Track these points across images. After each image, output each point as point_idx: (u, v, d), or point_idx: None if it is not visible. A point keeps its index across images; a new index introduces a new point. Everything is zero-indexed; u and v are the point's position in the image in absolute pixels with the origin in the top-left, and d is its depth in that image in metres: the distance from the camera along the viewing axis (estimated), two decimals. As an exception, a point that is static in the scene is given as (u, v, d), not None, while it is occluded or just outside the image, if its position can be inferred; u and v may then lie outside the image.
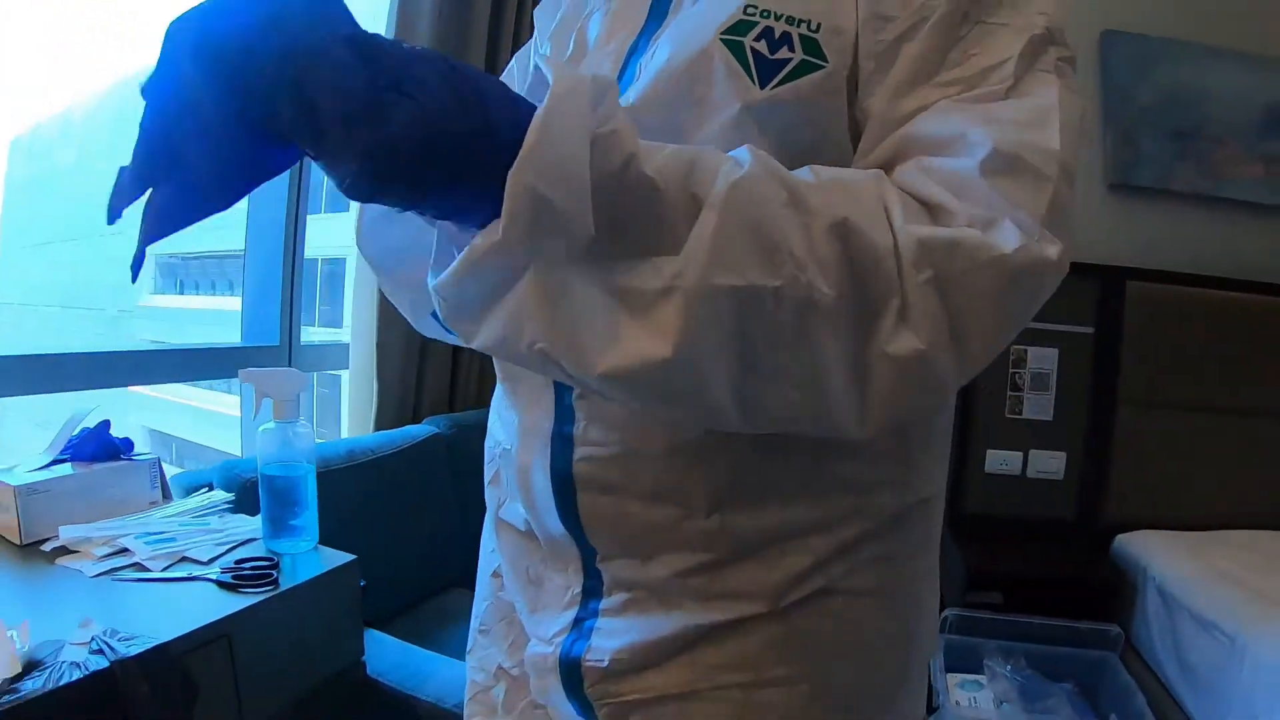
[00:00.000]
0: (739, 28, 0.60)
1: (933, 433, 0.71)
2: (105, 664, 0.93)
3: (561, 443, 0.67)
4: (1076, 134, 0.56)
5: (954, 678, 2.27)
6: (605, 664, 0.68)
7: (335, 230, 3.25)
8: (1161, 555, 2.41)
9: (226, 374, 2.51)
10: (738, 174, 0.47)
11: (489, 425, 0.84)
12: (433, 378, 2.62)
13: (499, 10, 2.60)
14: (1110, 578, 2.49)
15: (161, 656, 0.97)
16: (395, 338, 2.42)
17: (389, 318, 2.37)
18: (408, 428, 2.33)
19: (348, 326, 2.50)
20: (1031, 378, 2.71)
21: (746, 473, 0.63)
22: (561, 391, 0.67)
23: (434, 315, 0.77)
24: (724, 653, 0.66)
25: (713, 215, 0.46)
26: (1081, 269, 2.65)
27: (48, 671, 0.90)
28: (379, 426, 2.40)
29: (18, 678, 0.89)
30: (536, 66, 0.76)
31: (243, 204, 2.47)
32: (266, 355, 2.42)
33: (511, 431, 0.74)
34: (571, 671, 0.70)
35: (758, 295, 0.46)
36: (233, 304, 5.34)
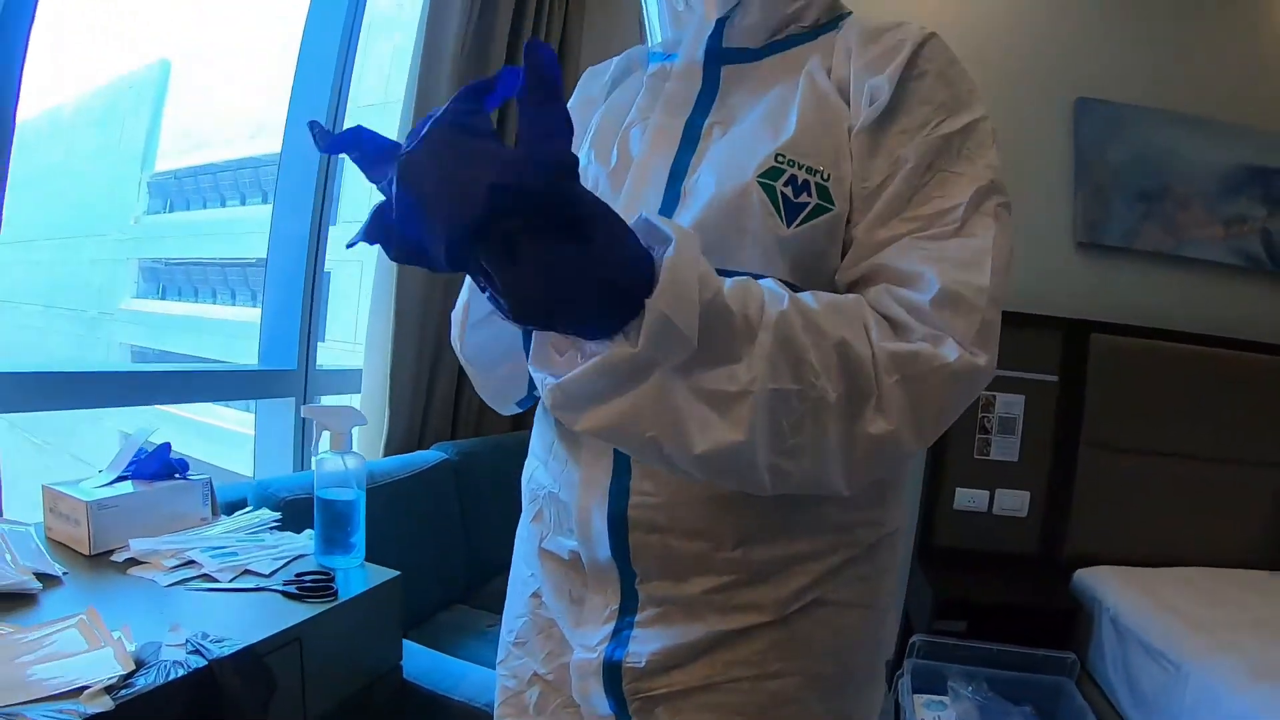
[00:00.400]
0: (772, 174, 0.79)
1: (900, 482, 0.92)
2: (203, 663, 1.08)
3: (618, 493, 0.84)
4: (1008, 264, 0.75)
5: (920, 698, 2.43)
6: (642, 664, 0.85)
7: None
8: (1116, 589, 2.58)
9: (246, 395, 2.63)
10: (778, 306, 0.64)
11: (529, 471, 1.00)
12: (438, 407, 2.76)
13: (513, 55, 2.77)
14: (1068, 608, 2.65)
15: (250, 656, 1.13)
16: (406, 368, 2.56)
17: (401, 350, 2.52)
18: (418, 453, 2.47)
19: (340, 342, 2.59)
20: (999, 421, 2.90)
21: (765, 517, 0.81)
22: (620, 453, 0.84)
23: (518, 403, 0.98)
24: (736, 653, 0.83)
25: (767, 336, 0.62)
26: (1049, 321, 2.86)
27: (154, 669, 1.05)
28: (388, 451, 2.54)
29: (130, 674, 1.03)
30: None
31: (265, 217, 2.59)
32: (284, 379, 2.53)
33: (562, 480, 0.90)
34: (612, 672, 0.86)
35: (790, 396, 0.63)
36: (214, 311, 5.39)
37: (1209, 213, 3.01)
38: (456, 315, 0.96)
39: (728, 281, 0.64)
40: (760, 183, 0.79)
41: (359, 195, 2.76)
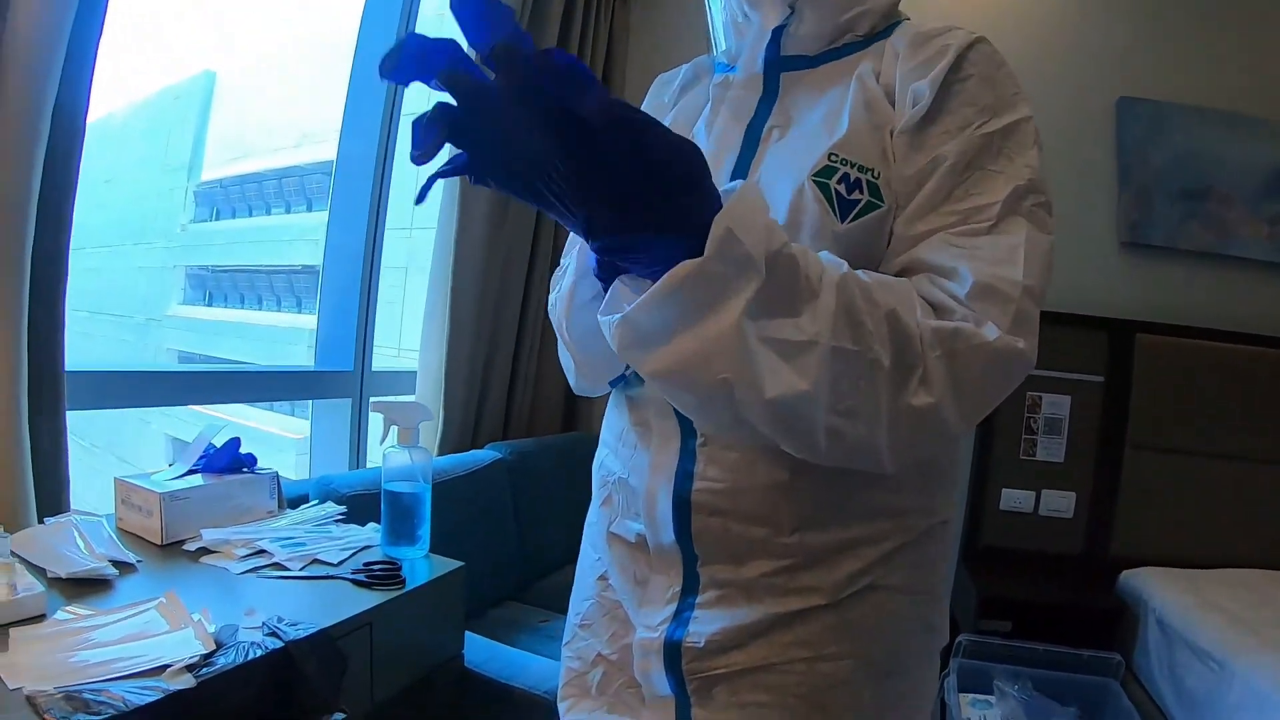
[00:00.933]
0: (826, 172, 0.83)
1: (949, 472, 0.94)
2: (279, 644, 1.13)
3: (683, 478, 0.88)
4: (1045, 262, 0.77)
5: (966, 697, 2.44)
6: (701, 644, 0.88)
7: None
8: (1161, 589, 2.57)
9: (303, 395, 2.70)
10: (838, 270, 0.69)
11: (599, 459, 1.04)
12: (491, 407, 2.82)
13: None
14: (1114, 609, 2.65)
15: (324, 639, 1.18)
16: (460, 369, 2.62)
17: (456, 352, 2.58)
18: (472, 452, 2.53)
19: (381, 348, 2.66)
20: (1045, 422, 2.91)
21: (820, 504, 0.84)
22: (686, 439, 0.88)
23: (610, 381, 1.00)
24: (793, 635, 0.86)
25: (830, 296, 0.66)
26: (1094, 322, 2.86)
27: (233, 650, 1.10)
28: (442, 451, 2.60)
29: (210, 654, 1.08)
30: None
31: (321, 223, 2.66)
32: (341, 380, 2.60)
33: (631, 465, 0.94)
34: (672, 651, 0.90)
35: (850, 355, 0.67)
36: (259, 318, 5.47)
37: (1253, 211, 2.99)
38: (561, 298, 0.97)
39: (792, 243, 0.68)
40: (815, 181, 0.82)
41: (405, 202, 2.81)
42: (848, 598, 0.86)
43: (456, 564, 1.51)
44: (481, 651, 1.60)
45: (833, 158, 0.83)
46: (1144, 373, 2.89)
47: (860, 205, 0.82)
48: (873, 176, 0.82)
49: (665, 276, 0.60)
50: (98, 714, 0.92)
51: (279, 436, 4.15)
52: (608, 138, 0.55)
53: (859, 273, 0.72)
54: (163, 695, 0.99)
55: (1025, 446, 2.92)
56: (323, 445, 2.69)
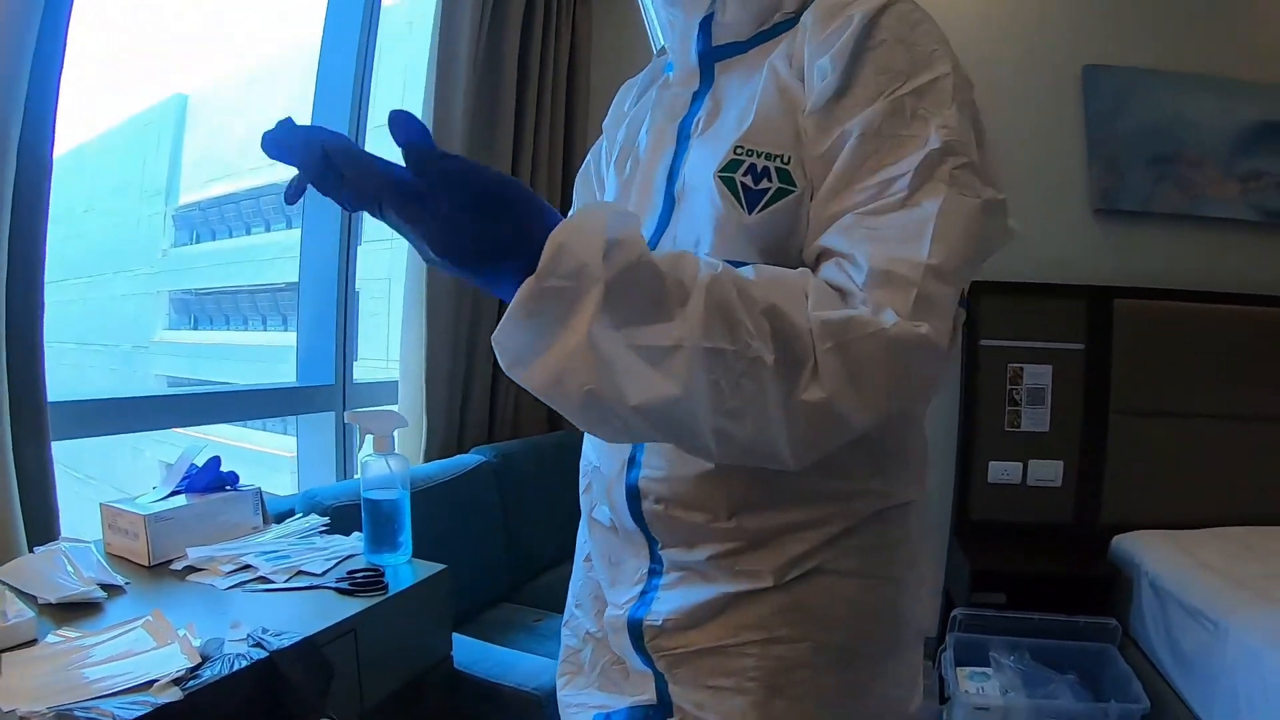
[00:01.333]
0: (731, 166, 0.82)
1: (902, 454, 0.91)
2: (264, 654, 1.14)
3: (632, 466, 0.90)
4: (969, 230, 0.73)
5: (963, 670, 2.46)
6: (659, 624, 0.90)
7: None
8: (1153, 552, 2.60)
9: (286, 411, 2.71)
10: (710, 271, 0.68)
11: (584, 448, 1.06)
12: (474, 411, 2.83)
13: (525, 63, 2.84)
14: (1107, 575, 2.67)
15: (308, 647, 1.19)
16: (441, 375, 2.63)
17: (435, 358, 2.59)
18: (458, 457, 2.54)
19: (369, 360, 2.67)
20: (1028, 393, 2.92)
21: (754, 489, 0.84)
22: None
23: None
24: (745, 616, 0.86)
25: (699, 297, 0.65)
26: (1071, 290, 2.88)
27: (219, 662, 1.12)
28: (428, 457, 2.60)
29: (196, 667, 1.09)
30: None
31: (291, 242, 2.66)
32: (323, 394, 2.60)
33: (601, 454, 0.96)
34: (635, 629, 0.92)
35: (726, 355, 0.66)
36: (246, 338, 5.48)
37: (1224, 170, 3.01)
38: None
39: (659, 249, 0.69)
40: (721, 177, 0.82)
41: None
42: (795, 580, 0.85)
43: (439, 567, 1.52)
44: (471, 653, 1.61)
45: (738, 150, 0.82)
46: (1124, 338, 2.92)
47: (770, 193, 0.81)
48: (782, 162, 0.81)
49: (514, 300, 0.62)
50: (85, 730, 0.93)
51: (274, 455, 4.15)
52: (435, 181, 0.61)
53: (745, 269, 0.71)
54: (151, 709, 1.00)
55: (1010, 418, 2.93)
56: (309, 459, 2.69)
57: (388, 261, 3.53)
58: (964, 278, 0.74)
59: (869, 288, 0.71)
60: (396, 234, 0.65)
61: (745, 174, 0.81)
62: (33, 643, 1.18)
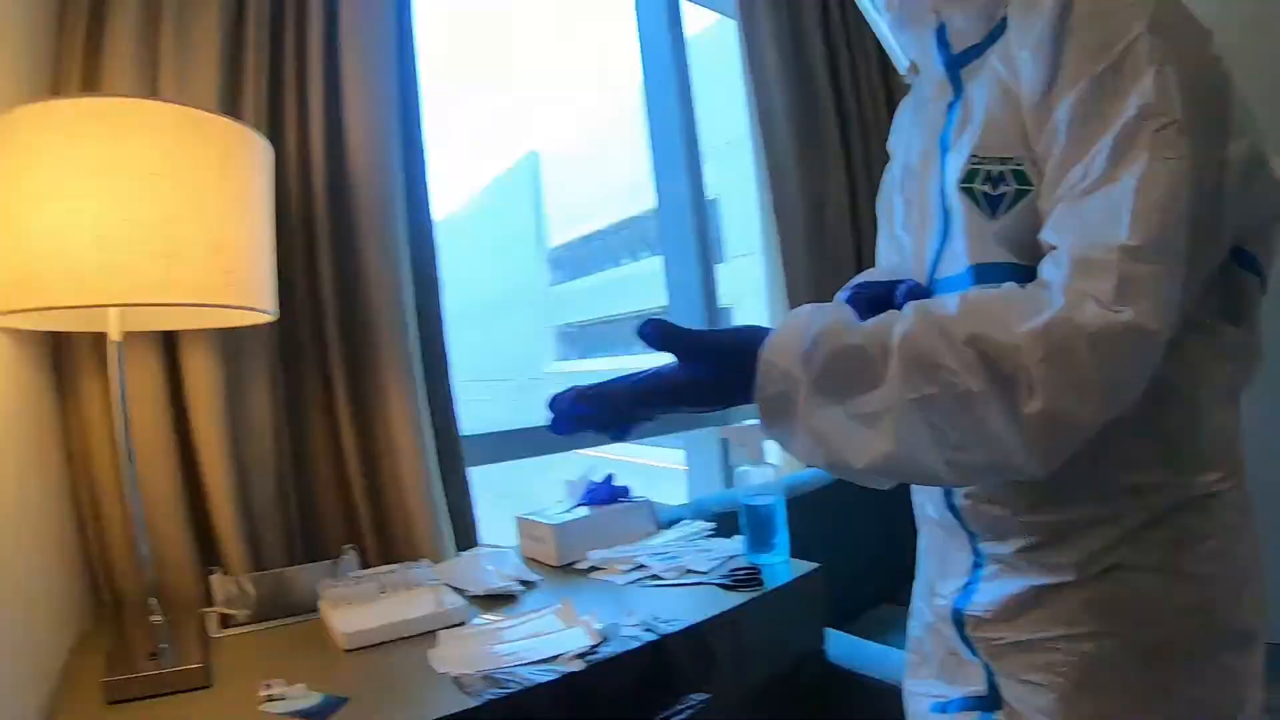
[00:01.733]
0: (969, 176, 0.85)
1: (1197, 443, 0.85)
2: (654, 637, 1.31)
3: None
4: (1170, 194, 0.70)
5: None
6: (979, 613, 0.94)
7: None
8: None
9: (670, 430, 2.91)
10: (903, 327, 0.73)
11: None
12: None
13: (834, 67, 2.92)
14: None
15: (693, 633, 1.35)
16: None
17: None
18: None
19: None
20: None
21: (1042, 485, 0.83)
22: None
23: None
24: (1050, 610, 0.88)
25: (895, 358, 0.72)
26: None
27: (615, 642, 1.30)
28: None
29: (597, 646, 1.28)
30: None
31: (657, 269, 2.86)
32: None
33: None
34: (958, 618, 0.97)
35: (934, 399, 0.71)
36: (629, 364, 5.91)
37: None
38: None
39: (869, 322, 0.76)
40: (962, 189, 0.86)
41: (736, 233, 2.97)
42: (1096, 575, 0.85)
43: (813, 566, 1.62)
44: (844, 646, 1.68)
45: (974, 160, 0.85)
46: None
47: (1008, 196, 0.82)
48: (1016, 164, 0.82)
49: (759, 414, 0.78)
50: (506, 689, 1.14)
51: (670, 470, 4.46)
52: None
53: (949, 301, 0.75)
54: (558, 676, 1.20)
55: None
56: (697, 472, 2.91)
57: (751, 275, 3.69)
58: (1177, 251, 0.71)
59: (1071, 278, 0.71)
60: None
61: (983, 182, 0.84)
62: (463, 624, 1.42)
